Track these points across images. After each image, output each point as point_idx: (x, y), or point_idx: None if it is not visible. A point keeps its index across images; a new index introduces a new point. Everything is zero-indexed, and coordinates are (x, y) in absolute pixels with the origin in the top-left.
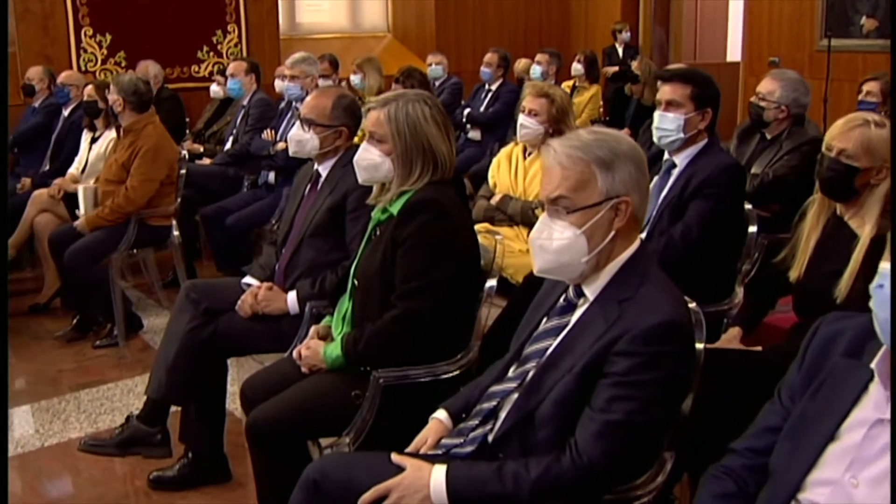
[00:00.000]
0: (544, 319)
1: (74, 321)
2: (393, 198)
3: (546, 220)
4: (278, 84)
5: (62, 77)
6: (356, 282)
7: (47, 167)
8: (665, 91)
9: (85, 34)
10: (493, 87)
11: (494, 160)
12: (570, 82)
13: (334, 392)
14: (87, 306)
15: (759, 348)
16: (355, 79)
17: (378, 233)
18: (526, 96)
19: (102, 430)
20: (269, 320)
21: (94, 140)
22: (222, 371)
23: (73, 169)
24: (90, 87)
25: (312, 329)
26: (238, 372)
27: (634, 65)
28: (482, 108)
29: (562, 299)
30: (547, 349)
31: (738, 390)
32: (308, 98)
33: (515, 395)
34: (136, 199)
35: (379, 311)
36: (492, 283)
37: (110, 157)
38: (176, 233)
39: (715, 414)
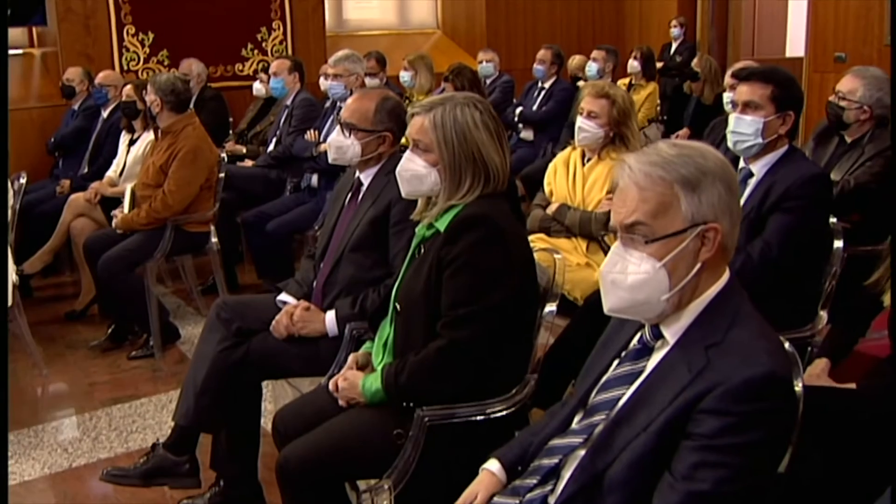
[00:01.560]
0: (614, 363)
1: (109, 330)
2: (439, 213)
3: (619, 251)
4: (323, 83)
5: (100, 77)
6: (398, 306)
7: (86, 170)
8: (742, 91)
9: (127, 33)
10: (547, 86)
11: (550, 166)
12: (627, 80)
13: (374, 430)
14: (122, 315)
15: (853, 385)
16: (405, 76)
17: (422, 251)
18: (584, 97)
19: (133, 451)
20: (306, 342)
21: (132, 142)
22: (256, 394)
23: (111, 172)
24: (129, 87)
25: (351, 357)
26: (274, 390)
27: (695, 62)
28: (535, 107)
29: (635, 340)
30: (618, 400)
31: (832, 437)
32: (349, 101)
33: (581, 452)
34: (174, 204)
35: (423, 340)
36: (551, 308)
37: (147, 159)
38: (214, 240)
39: (805, 467)
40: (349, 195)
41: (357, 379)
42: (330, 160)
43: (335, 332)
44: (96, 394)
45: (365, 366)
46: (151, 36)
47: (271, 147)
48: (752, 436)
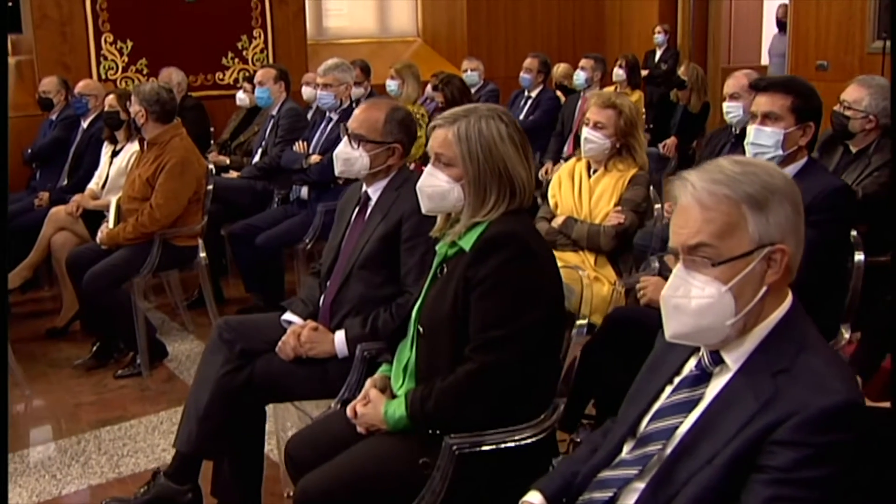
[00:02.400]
0: (667, 389)
1: (94, 348)
2: (463, 230)
3: (682, 274)
4: (306, 91)
5: (79, 87)
6: (420, 328)
7: (65, 182)
8: (761, 102)
9: (105, 41)
10: (533, 94)
11: (555, 177)
12: (612, 88)
13: (398, 459)
14: (108, 333)
15: (888, 405)
16: (392, 85)
17: (445, 270)
18: (590, 107)
19: (125, 477)
20: (313, 364)
21: (115, 153)
22: (260, 418)
23: (93, 184)
24: (111, 96)
25: (369, 382)
26: (275, 413)
27: (681, 70)
28: (521, 117)
29: (691, 365)
30: (675, 429)
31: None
32: (357, 111)
33: (638, 485)
34: (161, 218)
35: (449, 364)
36: (581, 327)
37: (133, 171)
38: (203, 254)
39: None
40: (356, 210)
41: (378, 405)
42: (337, 172)
43: (345, 354)
44: (83, 415)
45: (383, 390)
46: (130, 44)
47: (257, 158)
48: (829, 468)
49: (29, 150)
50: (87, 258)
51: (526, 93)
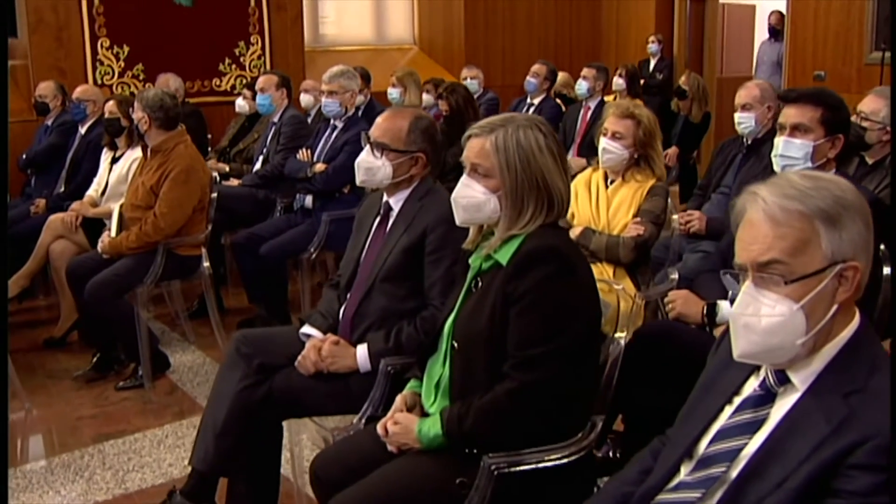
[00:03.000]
0: (726, 409)
1: (94, 359)
2: (498, 243)
3: (752, 292)
4: (304, 99)
5: (78, 92)
6: (455, 344)
7: (62, 189)
8: (790, 114)
9: (101, 46)
10: (535, 102)
11: (570, 187)
12: (611, 97)
13: (434, 479)
14: (110, 344)
15: None
16: (394, 93)
17: (480, 285)
18: (608, 117)
19: (132, 493)
20: (334, 379)
21: (114, 160)
22: (277, 435)
23: (92, 191)
24: (111, 102)
25: (399, 399)
26: (290, 429)
27: (682, 79)
28: None
29: (753, 385)
30: (740, 450)
31: None
32: (380, 119)
33: None
34: (166, 227)
35: (486, 382)
36: (619, 342)
37: (136, 179)
38: (206, 263)
39: None
40: (376, 220)
41: (412, 423)
42: (358, 182)
43: (367, 368)
44: (85, 429)
45: (413, 407)
46: (126, 49)
47: (258, 166)
48: None
49: (24, 156)
50: (88, 267)
51: (528, 99)
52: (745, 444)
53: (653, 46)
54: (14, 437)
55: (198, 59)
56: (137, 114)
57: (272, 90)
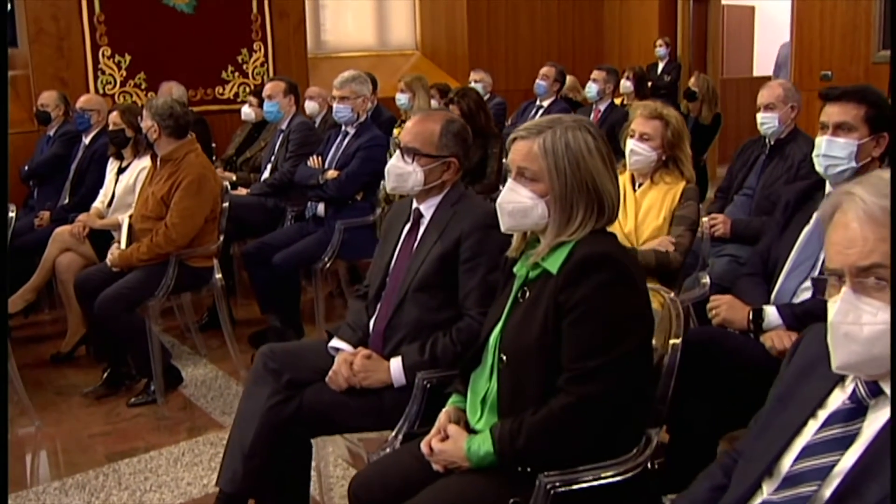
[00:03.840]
0: (809, 423)
1: (105, 375)
2: (546, 250)
3: (850, 298)
4: (309, 106)
5: (81, 101)
6: (503, 357)
7: (66, 200)
8: (833, 112)
9: (103, 55)
10: (546, 104)
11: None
12: (619, 100)
13: (486, 499)
14: (120, 359)
15: None
16: (402, 98)
17: (528, 294)
18: (635, 118)
19: None
20: (367, 394)
21: (121, 170)
22: (307, 453)
23: (98, 203)
24: (115, 113)
25: (443, 415)
26: (316, 445)
27: (692, 81)
28: None
29: (841, 398)
30: (831, 467)
31: None
32: (410, 123)
33: None
34: (178, 238)
35: (538, 396)
36: (676, 350)
37: (145, 189)
38: (218, 275)
39: None
40: (405, 228)
41: (460, 441)
42: (389, 189)
43: (402, 383)
44: (98, 447)
45: (456, 424)
46: (128, 58)
47: (266, 174)
48: None
49: (26, 168)
50: (96, 281)
51: (538, 102)
52: (837, 461)
53: (661, 50)
54: (24, 457)
55: (200, 67)
56: (146, 123)
57: (280, 97)
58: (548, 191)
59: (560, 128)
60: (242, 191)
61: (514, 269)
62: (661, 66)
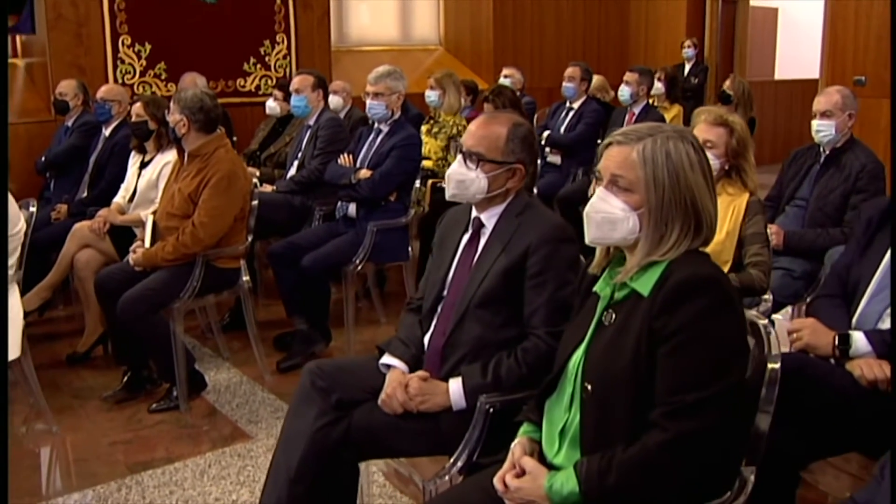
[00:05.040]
0: None
1: (125, 379)
2: (635, 269)
3: None
4: (333, 100)
5: (102, 91)
6: (588, 386)
7: (85, 194)
8: None
9: (122, 43)
10: (576, 106)
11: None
12: (650, 101)
13: None
14: (140, 362)
15: None
16: (432, 95)
17: (613, 317)
18: (698, 124)
19: None
20: (422, 417)
21: (143, 164)
22: (354, 477)
23: (119, 198)
24: (138, 105)
25: (518, 447)
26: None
27: (727, 84)
28: (563, 129)
29: None
30: None
31: None
32: (473, 126)
33: None
34: (205, 238)
35: (628, 431)
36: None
37: (171, 185)
38: (246, 277)
39: None
40: (464, 238)
41: (539, 477)
42: (448, 196)
43: (462, 406)
44: (120, 456)
45: (531, 457)
46: (148, 47)
47: (293, 171)
48: None
49: (43, 158)
50: (118, 280)
51: (568, 104)
52: None
53: (688, 51)
54: (44, 466)
55: (221, 58)
56: (174, 116)
57: (308, 91)
58: (642, 203)
59: (661, 136)
60: (267, 187)
61: (596, 289)
62: (687, 67)
